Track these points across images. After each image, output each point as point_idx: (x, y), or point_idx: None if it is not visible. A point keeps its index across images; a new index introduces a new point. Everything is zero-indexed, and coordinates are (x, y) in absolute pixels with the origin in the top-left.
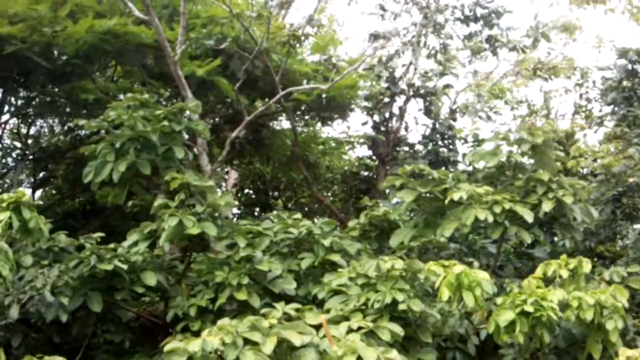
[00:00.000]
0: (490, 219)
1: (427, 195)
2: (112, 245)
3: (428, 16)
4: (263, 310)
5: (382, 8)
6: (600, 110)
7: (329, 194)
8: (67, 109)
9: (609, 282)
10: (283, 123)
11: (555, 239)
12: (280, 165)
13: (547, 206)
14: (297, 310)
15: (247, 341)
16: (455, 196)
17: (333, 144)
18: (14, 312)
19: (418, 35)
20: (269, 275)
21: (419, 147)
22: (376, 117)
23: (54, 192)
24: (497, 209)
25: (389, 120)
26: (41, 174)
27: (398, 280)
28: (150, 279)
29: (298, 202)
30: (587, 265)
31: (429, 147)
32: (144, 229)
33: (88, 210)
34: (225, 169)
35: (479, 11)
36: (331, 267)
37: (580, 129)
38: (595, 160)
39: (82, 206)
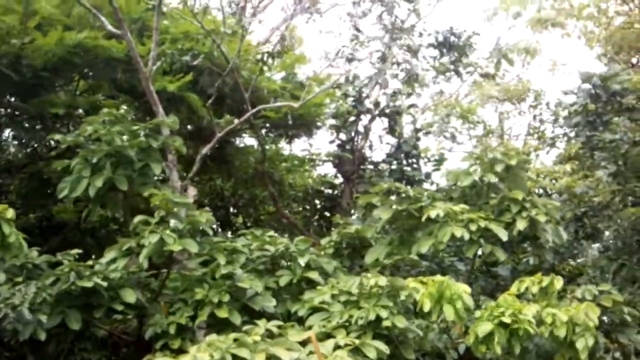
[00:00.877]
0: (467, 236)
1: (403, 213)
2: (90, 262)
3: (394, 37)
4: (245, 328)
5: (357, 29)
6: (553, 132)
7: (291, 212)
8: (26, 124)
9: (580, 300)
10: (246, 140)
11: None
12: (241, 182)
13: (521, 225)
14: (279, 327)
15: (235, 357)
16: (432, 213)
17: (296, 162)
18: None
19: (383, 56)
20: (248, 292)
21: (383, 165)
22: (342, 136)
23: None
24: (473, 227)
25: (354, 139)
26: None
27: (381, 298)
28: (130, 296)
29: (258, 220)
30: (558, 283)
31: (394, 166)
32: (122, 246)
33: (45, 226)
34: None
35: (452, 39)
36: (308, 284)
37: (534, 150)
38: (553, 180)
39: (38, 222)
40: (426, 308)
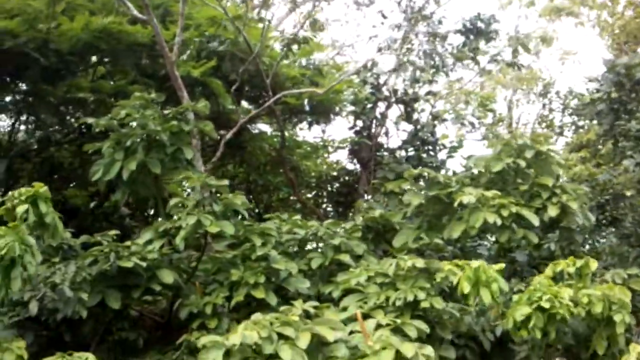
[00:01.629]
0: (499, 222)
1: (432, 198)
2: (128, 243)
3: (414, 24)
4: (281, 308)
5: (383, 15)
6: (561, 121)
7: (306, 198)
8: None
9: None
10: (259, 126)
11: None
12: (255, 168)
13: (552, 211)
14: (315, 308)
15: (280, 336)
16: (465, 199)
17: (309, 148)
18: (34, 308)
19: (403, 43)
20: (281, 274)
21: (399, 152)
22: (359, 122)
23: None
24: (505, 213)
25: (371, 126)
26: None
27: (417, 279)
28: (167, 276)
29: (270, 206)
30: (593, 265)
31: (410, 153)
32: (158, 227)
33: (59, 210)
34: None
35: (479, 25)
36: (339, 267)
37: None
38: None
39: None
40: (466, 290)
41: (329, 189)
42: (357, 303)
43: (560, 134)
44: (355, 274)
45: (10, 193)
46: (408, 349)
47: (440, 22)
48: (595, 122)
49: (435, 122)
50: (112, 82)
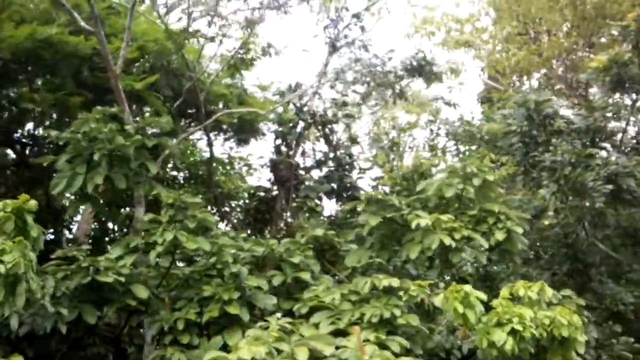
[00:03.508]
0: (453, 244)
1: (386, 220)
2: (100, 258)
3: (335, 49)
4: (258, 324)
5: (334, 47)
6: (445, 146)
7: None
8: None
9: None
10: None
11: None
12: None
13: (500, 235)
14: (290, 324)
15: (277, 351)
16: (422, 222)
17: (228, 167)
18: (15, 323)
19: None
20: (248, 291)
21: (313, 171)
22: (278, 142)
23: None
24: (457, 236)
25: (290, 145)
26: None
27: (391, 297)
28: (141, 292)
29: None
30: (549, 291)
31: (324, 173)
32: (128, 243)
33: None
34: None
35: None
36: (296, 284)
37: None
38: None
39: None
40: (460, 310)
41: (245, 206)
42: (329, 319)
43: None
44: (319, 291)
45: None
46: None
47: (390, 59)
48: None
49: (352, 143)
50: (51, 93)
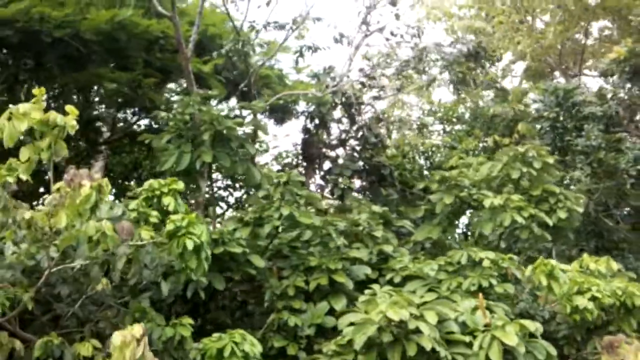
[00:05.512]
0: (523, 222)
1: (457, 198)
2: (221, 229)
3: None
4: (367, 291)
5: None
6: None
7: None
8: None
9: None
10: None
11: None
12: None
13: (562, 214)
14: (392, 291)
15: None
16: (495, 201)
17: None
18: (165, 288)
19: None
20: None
21: (339, 150)
22: (308, 122)
23: None
24: (525, 214)
25: (322, 125)
26: None
27: (484, 268)
28: (259, 261)
29: None
30: (614, 264)
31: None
32: (242, 217)
33: None
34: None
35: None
36: (378, 256)
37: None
38: None
39: None
40: (544, 283)
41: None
42: (424, 287)
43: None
44: (405, 262)
45: (148, 184)
46: (527, 323)
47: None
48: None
49: (378, 123)
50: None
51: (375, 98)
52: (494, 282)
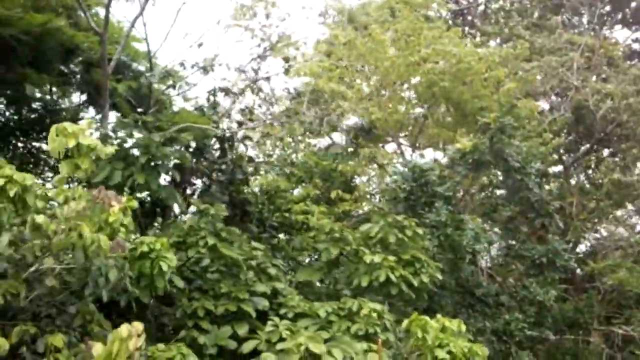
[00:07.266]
0: (395, 279)
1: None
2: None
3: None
4: (269, 323)
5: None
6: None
7: None
8: None
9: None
10: None
11: None
12: None
13: (425, 278)
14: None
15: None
16: (375, 259)
17: None
18: (105, 296)
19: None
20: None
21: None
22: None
23: None
24: (397, 273)
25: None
26: None
27: (371, 317)
28: (179, 282)
29: None
30: (463, 326)
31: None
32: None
33: None
34: None
35: None
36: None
37: None
38: None
39: None
40: (420, 335)
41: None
42: (314, 326)
43: None
44: (296, 300)
45: None
46: None
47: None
48: None
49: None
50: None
51: (246, 138)
52: (378, 330)
